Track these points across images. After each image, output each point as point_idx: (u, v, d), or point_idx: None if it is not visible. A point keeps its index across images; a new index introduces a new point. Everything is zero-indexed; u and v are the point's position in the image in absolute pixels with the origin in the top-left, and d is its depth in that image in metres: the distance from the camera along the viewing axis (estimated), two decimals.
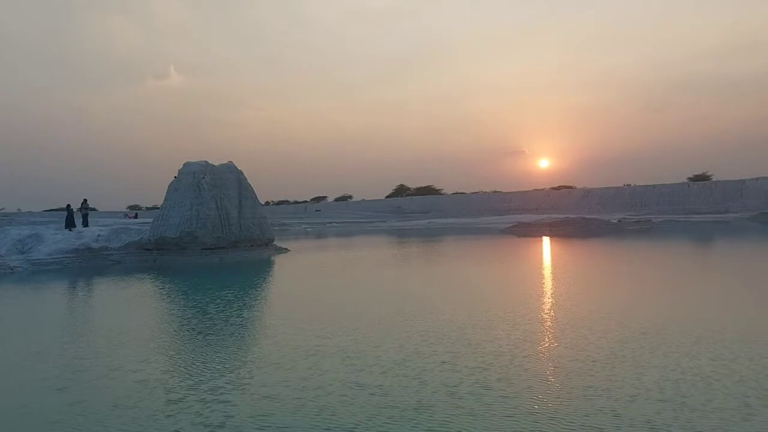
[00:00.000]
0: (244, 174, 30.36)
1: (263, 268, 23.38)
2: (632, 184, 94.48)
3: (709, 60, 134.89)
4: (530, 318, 10.48)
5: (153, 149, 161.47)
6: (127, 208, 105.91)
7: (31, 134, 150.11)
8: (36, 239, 25.99)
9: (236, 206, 28.76)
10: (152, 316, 12.54)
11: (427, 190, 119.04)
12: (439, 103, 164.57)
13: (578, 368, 7.21)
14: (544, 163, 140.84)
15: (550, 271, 18.48)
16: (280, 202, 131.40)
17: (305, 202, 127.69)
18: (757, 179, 78.70)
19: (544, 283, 15.42)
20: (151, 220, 31.60)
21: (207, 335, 9.97)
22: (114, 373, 7.72)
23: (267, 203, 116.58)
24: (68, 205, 31.23)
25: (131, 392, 6.83)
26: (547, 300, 12.60)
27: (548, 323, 10.08)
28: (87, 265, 24.61)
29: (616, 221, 52.49)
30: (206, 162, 29.10)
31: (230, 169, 29.77)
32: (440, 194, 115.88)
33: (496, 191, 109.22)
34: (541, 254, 25.74)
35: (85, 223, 31.35)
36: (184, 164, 29.01)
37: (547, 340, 8.85)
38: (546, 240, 34.78)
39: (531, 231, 44.42)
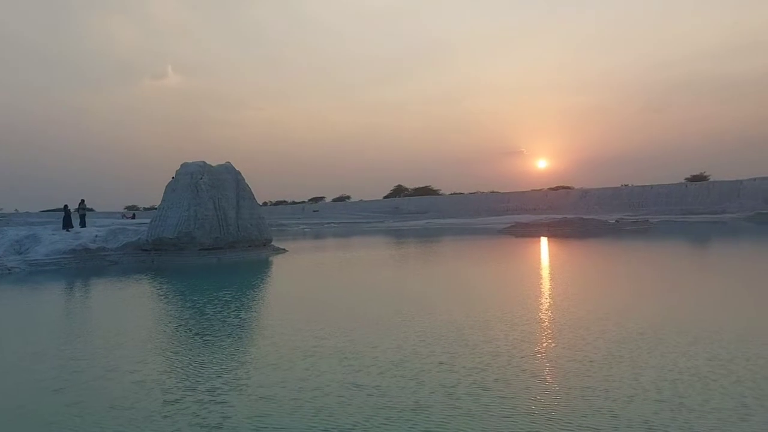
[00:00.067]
0: (242, 174, 30.34)
1: (261, 268, 23.35)
2: (630, 185, 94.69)
3: (708, 60, 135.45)
4: (528, 318, 10.48)
5: (151, 149, 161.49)
6: (125, 208, 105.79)
7: (28, 134, 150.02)
8: (33, 240, 25.93)
9: (234, 207, 28.73)
10: (149, 316, 12.51)
11: (425, 191, 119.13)
12: (437, 103, 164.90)
13: (576, 369, 7.22)
14: (542, 163, 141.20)
15: (547, 271, 18.50)
16: (278, 203, 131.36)
17: (303, 202, 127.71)
18: (755, 180, 78.94)
19: (541, 284, 15.43)
20: (148, 220, 31.55)
21: (204, 336, 9.96)
22: (111, 374, 7.70)
23: (265, 204, 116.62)
24: (65, 206, 31.17)
25: (128, 393, 6.81)
26: (545, 300, 12.60)
27: (546, 324, 10.09)
28: (84, 266, 24.56)
29: (613, 221, 52.59)
30: (204, 162, 29.06)
31: (228, 169, 29.74)
32: (438, 194, 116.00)
33: (494, 192, 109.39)
34: (539, 255, 25.76)
35: (83, 224, 31.28)
36: (182, 165, 28.97)
37: (544, 340, 8.85)
38: (544, 240, 34.81)
39: (529, 231, 44.46)
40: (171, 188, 28.38)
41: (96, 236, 27.12)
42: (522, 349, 8.29)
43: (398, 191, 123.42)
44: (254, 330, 10.65)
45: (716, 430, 5.28)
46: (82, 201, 32.88)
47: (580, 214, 67.05)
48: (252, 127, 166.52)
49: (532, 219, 55.41)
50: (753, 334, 8.76)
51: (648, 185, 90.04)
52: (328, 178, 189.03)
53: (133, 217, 56.18)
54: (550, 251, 27.26)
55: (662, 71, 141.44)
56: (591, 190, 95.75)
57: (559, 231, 43.28)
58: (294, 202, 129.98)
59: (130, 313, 13.08)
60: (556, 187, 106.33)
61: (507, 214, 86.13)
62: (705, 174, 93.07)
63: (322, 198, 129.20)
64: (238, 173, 30.10)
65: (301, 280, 19.30)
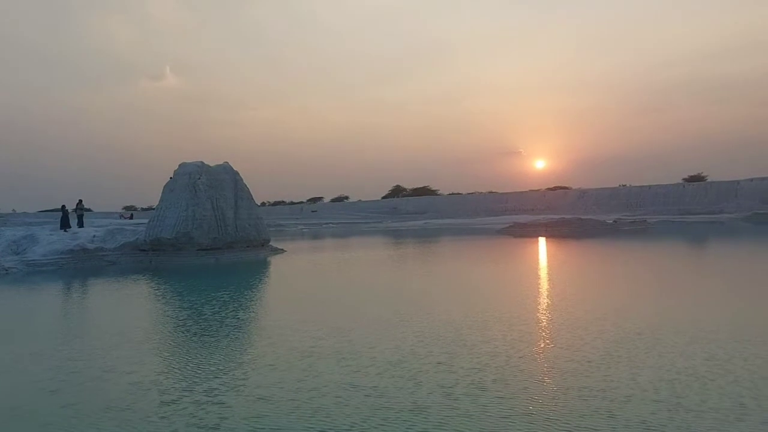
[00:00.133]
0: (240, 175, 30.31)
1: (259, 268, 23.33)
2: (628, 185, 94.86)
3: (705, 61, 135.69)
4: (526, 319, 10.48)
5: (149, 149, 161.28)
6: (123, 208, 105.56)
7: (26, 134, 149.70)
8: (31, 240, 25.87)
9: (232, 207, 28.69)
10: (147, 317, 12.49)
11: (423, 191, 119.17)
12: (436, 103, 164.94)
13: (574, 369, 7.21)
14: (540, 163, 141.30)
15: (545, 271, 18.51)
16: (276, 203, 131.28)
17: (301, 202, 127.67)
18: (752, 180, 79.13)
19: (539, 284, 15.43)
20: (146, 220, 31.49)
21: (202, 336, 9.94)
22: (108, 374, 7.68)
23: (263, 204, 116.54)
24: (63, 206, 31.11)
25: (125, 394, 6.79)
26: (543, 301, 12.61)
27: (544, 324, 10.09)
28: (82, 266, 24.51)
29: (611, 222, 52.63)
30: (202, 162, 29.02)
31: (226, 169, 29.70)
32: (436, 195, 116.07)
33: (492, 192, 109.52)
34: (537, 255, 25.78)
35: (81, 224, 31.22)
36: (180, 165, 28.93)
37: (542, 340, 8.85)
38: (542, 240, 34.83)
39: (527, 231, 44.48)
40: (169, 188, 28.34)
41: (94, 236, 27.07)
42: (520, 349, 8.28)
43: (396, 191, 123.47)
44: (252, 330, 10.63)
45: (714, 430, 5.27)
46: (80, 201, 32.81)
47: (578, 214, 67.10)
48: (251, 127, 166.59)
49: (530, 219, 55.43)
50: (750, 334, 8.76)
51: (646, 185, 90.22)
52: (326, 178, 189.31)
53: (131, 217, 56.10)
54: (548, 251, 27.28)
55: (660, 72, 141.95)
56: (589, 190, 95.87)
57: (557, 231, 43.31)
58: (292, 203, 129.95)
59: (128, 313, 13.05)
60: (554, 187, 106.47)
61: (505, 214, 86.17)
62: (702, 174, 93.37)
63: (320, 198, 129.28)
64: (237, 173, 30.07)
65: (299, 280, 19.28)
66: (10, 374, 7.97)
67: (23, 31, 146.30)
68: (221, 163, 30.05)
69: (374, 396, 6.43)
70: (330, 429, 5.57)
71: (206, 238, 27.08)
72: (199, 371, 7.67)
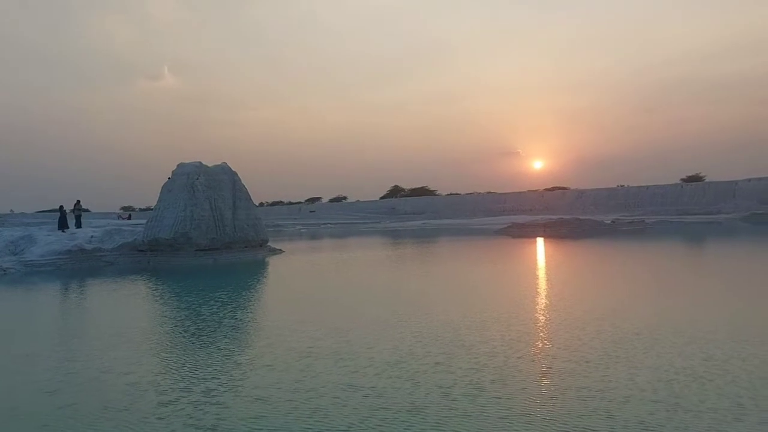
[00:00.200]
0: (239, 175, 30.29)
1: (257, 269, 23.32)
2: (626, 185, 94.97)
3: (703, 61, 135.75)
4: (524, 319, 10.48)
5: (148, 150, 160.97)
6: (121, 209, 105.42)
7: (23, 134, 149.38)
8: (29, 240, 25.82)
9: (230, 207, 28.67)
10: (145, 317, 12.47)
11: (422, 191, 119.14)
12: (434, 103, 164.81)
13: (572, 369, 7.21)
14: (538, 164, 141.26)
15: (544, 272, 18.52)
16: (274, 203, 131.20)
17: (299, 203, 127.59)
18: (749, 180, 79.22)
19: (538, 284, 15.44)
20: (144, 221, 31.45)
21: (200, 337, 9.93)
22: (105, 375, 7.66)
23: (261, 204, 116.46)
24: (61, 206, 31.09)
25: (123, 395, 6.77)
26: (541, 301, 12.61)
27: (542, 324, 10.09)
28: (80, 267, 24.46)
29: (609, 222, 52.68)
30: (200, 163, 28.99)
31: (224, 170, 29.67)
32: (434, 195, 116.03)
33: (490, 192, 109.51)
34: (535, 255, 25.79)
35: (78, 225, 31.19)
36: (178, 165, 28.90)
37: (540, 341, 8.85)
38: (540, 241, 34.86)
39: (525, 232, 44.52)
40: (167, 189, 28.30)
41: (92, 237, 27.03)
42: (518, 349, 8.28)
43: (395, 192, 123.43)
44: (250, 331, 10.62)
45: (712, 430, 5.28)
46: (78, 201, 32.77)
47: (576, 214, 67.14)
48: (250, 127, 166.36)
49: (529, 219, 55.45)
50: (748, 334, 8.77)
51: (644, 186, 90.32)
52: (325, 178, 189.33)
53: (129, 217, 56.07)
54: (546, 252, 27.30)
55: (658, 71, 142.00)
56: (587, 190, 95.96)
57: (556, 231, 43.35)
58: (291, 203, 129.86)
59: (126, 314, 13.03)
60: (553, 187, 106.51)
61: (503, 214, 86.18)
62: (700, 174, 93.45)
63: (318, 198, 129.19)
64: (235, 174, 30.05)
65: (297, 280, 19.27)
66: (8, 375, 7.95)
67: (22, 30, 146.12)
68: (219, 163, 30.02)
69: (372, 396, 6.43)
70: (328, 429, 5.56)
71: (204, 238, 27.06)
72: (197, 372, 7.66)
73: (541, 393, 6.38)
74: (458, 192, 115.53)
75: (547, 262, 21.94)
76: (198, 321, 11.40)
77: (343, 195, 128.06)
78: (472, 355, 8.00)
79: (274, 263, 25.13)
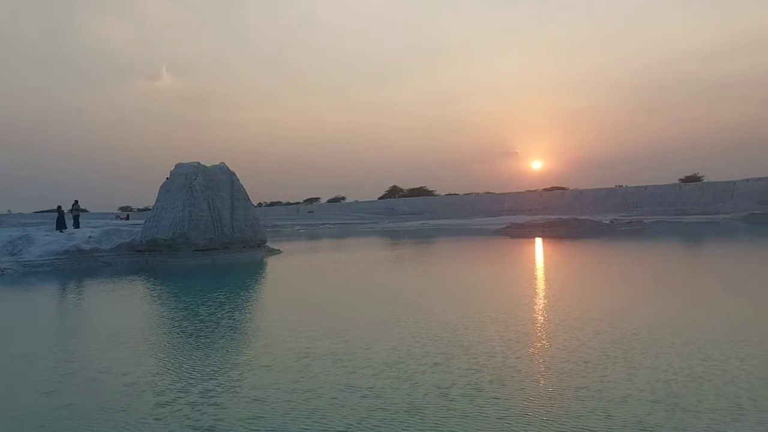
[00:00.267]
0: (237, 175, 30.27)
1: (255, 269, 23.29)
2: (624, 185, 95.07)
3: (701, 61, 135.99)
4: (523, 319, 10.48)
5: (146, 150, 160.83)
6: (119, 209, 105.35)
7: (21, 134, 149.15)
8: (26, 241, 25.76)
9: (228, 207, 28.65)
10: (142, 318, 12.45)
11: (420, 192, 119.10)
12: (433, 103, 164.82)
13: (570, 369, 7.21)
14: (536, 164, 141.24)
15: (542, 272, 18.52)
16: (272, 204, 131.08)
17: (298, 203, 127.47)
18: (747, 180, 79.35)
19: (536, 285, 15.44)
20: (142, 221, 31.42)
21: (198, 337, 9.91)
22: (103, 375, 7.65)
23: (259, 204, 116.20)
24: (59, 207, 31.05)
25: (120, 395, 6.76)
26: (540, 301, 12.61)
27: (541, 324, 10.09)
28: (78, 267, 24.42)
29: (608, 222, 52.71)
30: (198, 163, 28.97)
31: (222, 170, 29.65)
32: (433, 195, 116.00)
33: (488, 192, 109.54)
34: (534, 255, 25.80)
35: (76, 225, 31.16)
36: (176, 165, 28.87)
37: (539, 341, 8.85)
38: (539, 241, 34.87)
39: (524, 232, 44.53)
40: (165, 189, 28.27)
41: (89, 237, 26.99)
42: (517, 349, 8.28)
43: (393, 192, 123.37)
44: (248, 331, 10.61)
45: (710, 430, 5.27)
46: (76, 202, 32.75)
47: (575, 214, 67.19)
48: (248, 127, 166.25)
49: (527, 220, 55.47)
50: (747, 334, 8.78)
51: (642, 186, 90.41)
52: (323, 178, 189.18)
53: (127, 218, 56.09)
54: (544, 252, 27.31)
55: (656, 71, 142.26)
56: (585, 190, 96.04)
57: (554, 232, 43.37)
58: (289, 203, 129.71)
59: (123, 314, 13.01)
60: (551, 187, 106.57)
61: (502, 214, 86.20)
62: (698, 175, 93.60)
63: (317, 199, 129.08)
64: (233, 174, 30.03)
65: (296, 281, 19.25)
66: (5, 375, 7.92)
67: (20, 30, 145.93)
68: (218, 163, 30.00)
69: (370, 397, 6.42)
70: (326, 430, 5.55)
71: (202, 238, 27.03)
72: (195, 372, 7.64)
73: (540, 393, 6.38)
74: (457, 192, 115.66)
75: (545, 263, 21.94)
76: (196, 321, 11.38)
77: (342, 195, 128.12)
78: (470, 356, 7.99)
79: (273, 263, 25.11)
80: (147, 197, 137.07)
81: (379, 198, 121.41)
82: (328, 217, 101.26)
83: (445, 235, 47.62)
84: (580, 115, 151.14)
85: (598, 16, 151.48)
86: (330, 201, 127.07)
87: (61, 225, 29.55)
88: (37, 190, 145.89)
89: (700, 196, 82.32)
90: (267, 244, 31.09)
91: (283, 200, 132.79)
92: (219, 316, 11.89)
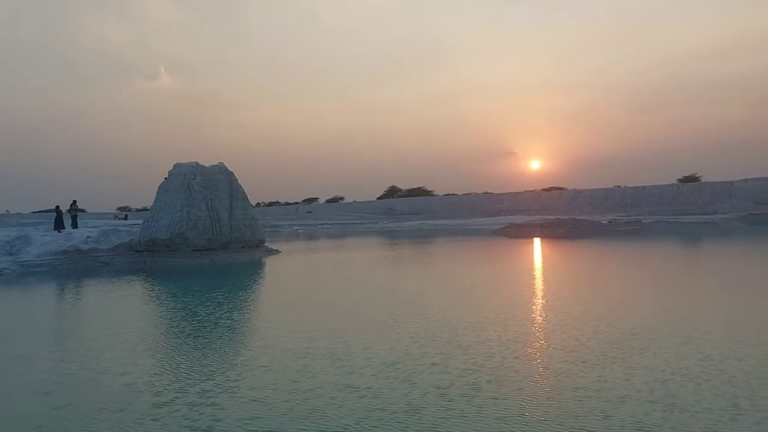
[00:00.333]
0: (235, 175, 30.26)
1: (254, 269, 23.28)
2: (622, 186, 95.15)
3: (700, 61, 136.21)
4: (521, 319, 10.48)
5: (145, 150, 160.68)
6: (117, 209, 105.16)
7: (19, 134, 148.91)
8: (24, 241, 25.73)
9: (227, 207, 28.63)
10: (141, 318, 12.43)
11: (419, 192, 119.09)
12: (432, 103, 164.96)
13: (568, 369, 7.21)
14: (535, 164, 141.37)
15: (540, 272, 18.54)
16: (271, 204, 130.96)
17: (296, 203, 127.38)
18: (746, 180, 79.50)
19: (534, 285, 15.45)
20: (141, 221, 31.39)
21: (196, 338, 9.90)
22: (101, 376, 7.64)
23: (258, 204, 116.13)
24: (57, 207, 31.01)
25: (118, 396, 6.75)
26: (538, 301, 12.62)
27: (539, 324, 10.09)
28: (76, 267, 24.39)
29: (606, 222, 52.77)
30: (197, 163, 28.96)
31: (221, 170, 29.64)
32: (432, 195, 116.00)
33: (487, 192, 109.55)
34: (532, 256, 25.81)
35: (75, 225, 31.11)
36: (175, 165, 28.85)
37: (537, 341, 8.85)
38: (537, 241, 34.89)
39: (522, 232, 44.56)
40: (163, 189, 28.25)
41: (88, 237, 26.96)
42: (515, 350, 8.28)
43: (392, 192, 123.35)
44: (246, 332, 10.60)
45: (708, 430, 5.28)
46: (74, 202, 32.71)
47: (573, 214, 67.28)
48: (247, 127, 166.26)
49: (526, 220, 55.52)
50: (744, 335, 8.79)
51: (640, 186, 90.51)
52: (321, 178, 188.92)
53: (126, 218, 55.97)
54: (543, 252, 27.32)
55: (655, 71, 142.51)
56: (584, 190, 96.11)
57: (553, 232, 43.40)
58: (287, 203, 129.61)
59: (122, 314, 12.99)
60: (549, 188, 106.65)
61: (500, 215, 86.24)
62: (697, 175, 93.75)
63: (315, 199, 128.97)
64: (231, 174, 30.02)
65: (294, 281, 19.24)
66: (3, 376, 7.91)
67: (18, 30, 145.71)
68: (216, 163, 29.99)
69: (369, 397, 6.42)
70: (324, 430, 5.55)
71: (201, 238, 27.01)
72: (193, 373, 7.63)
73: (538, 393, 6.38)
74: (455, 192, 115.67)
75: (543, 263, 21.95)
76: (194, 322, 11.37)
77: (340, 195, 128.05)
78: (468, 356, 7.99)
79: (271, 264, 25.09)
80: (145, 197, 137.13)
81: (378, 198, 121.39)
82: (327, 217, 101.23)
83: (444, 235, 47.63)
84: (579, 116, 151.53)
85: (598, 16, 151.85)
86: (328, 201, 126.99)
87: (59, 225, 29.51)
88: (35, 190, 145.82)
89: (699, 197, 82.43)
90: (265, 244, 31.08)
91: (282, 200, 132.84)
92: (217, 316, 11.89)
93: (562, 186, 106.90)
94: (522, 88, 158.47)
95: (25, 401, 6.73)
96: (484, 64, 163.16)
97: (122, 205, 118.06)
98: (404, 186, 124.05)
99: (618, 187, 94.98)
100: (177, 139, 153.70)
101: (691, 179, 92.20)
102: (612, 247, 30.01)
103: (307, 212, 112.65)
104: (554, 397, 6.22)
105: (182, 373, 7.62)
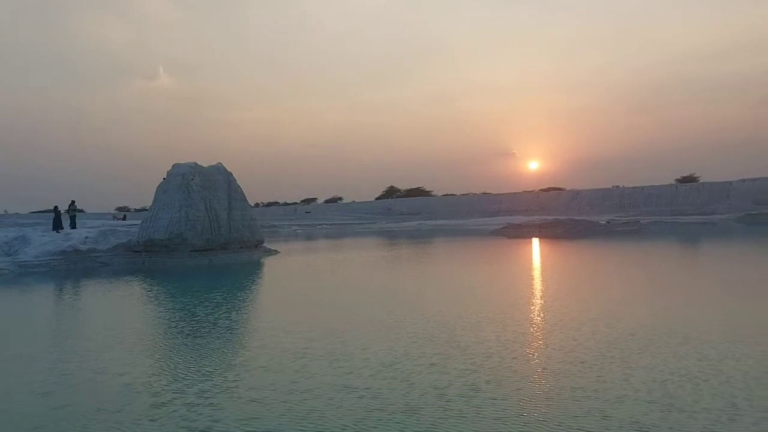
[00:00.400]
0: (234, 175, 30.24)
1: (252, 270, 23.26)
2: (621, 186, 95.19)
3: (701, 61, 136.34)
4: (519, 319, 10.49)
5: (143, 150, 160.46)
6: (116, 209, 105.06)
7: (18, 134, 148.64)
8: (23, 241, 25.70)
9: (226, 208, 28.61)
10: (139, 319, 12.42)
11: (417, 192, 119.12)
12: (430, 104, 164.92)
13: (567, 369, 7.22)
14: (533, 164, 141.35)
15: (539, 272, 18.54)
16: (269, 204, 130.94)
17: (295, 203, 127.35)
18: (744, 181, 79.57)
19: (533, 285, 15.45)
20: (139, 221, 31.36)
21: (194, 338, 9.89)
22: (99, 376, 7.63)
23: (257, 205, 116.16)
24: (56, 207, 30.99)
25: (116, 396, 6.74)
26: (537, 301, 12.62)
27: (537, 325, 10.10)
28: (74, 267, 24.36)
29: (604, 222, 52.80)
30: (195, 163, 28.94)
31: (219, 170, 29.62)
32: (430, 196, 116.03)
33: (486, 193, 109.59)
34: (531, 256, 25.82)
35: (73, 225, 31.06)
36: (173, 165, 28.83)
37: (536, 341, 8.86)
38: (535, 241, 34.91)
39: (521, 232, 44.57)
40: (162, 189, 28.23)
41: (86, 237, 26.93)
42: (514, 350, 8.29)
43: (390, 192, 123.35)
44: (244, 332, 10.60)
45: (706, 430, 5.29)
46: (73, 202, 32.65)
47: (572, 215, 67.29)
48: (246, 127, 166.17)
49: (524, 220, 55.53)
50: (742, 335, 8.80)
51: (639, 186, 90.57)
52: (320, 179, 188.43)
53: (124, 218, 55.93)
54: (541, 252, 27.34)
55: (653, 72, 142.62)
56: (582, 191, 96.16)
57: (551, 232, 43.42)
58: (286, 204, 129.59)
59: (120, 315, 12.98)
60: (548, 188, 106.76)
61: (499, 215, 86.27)
62: (695, 175, 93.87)
63: (314, 199, 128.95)
64: (230, 174, 30.00)
65: (293, 281, 19.24)
66: (1, 376, 7.90)
67: (18, 30, 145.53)
68: (215, 163, 29.97)
69: (367, 397, 6.42)
70: (323, 431, 5.55)
71: (199, 239, 26.99)
72: (192, 373, 7.63)
73: (537, 394, 6.39)
74: (454, 193, 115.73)
75: (542, 263, 21.97)
76: (193, 322, 11.37)
77: (339, 196, 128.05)
78: (467, 356, 8.00)
79: (270, 264, 25.08)
80: (144, 197, 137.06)
81: (377, 198, 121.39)
82: (326, 217, 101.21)
83: (442, 235, 47.64)
84: (579, 116, 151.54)
85: (598, 16, 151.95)
86: (327, 201, 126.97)
87: (57, 225, 29.46)
88: (33, 190, 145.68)
89: (697, 197, 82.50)
90: (264, 244, 31.06)
91: (281, 200, 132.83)
92: (216, 316, 11.88)
93: (560, 186, 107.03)
94: (522, 88, 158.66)
95: (23, 401, 6.72)
96: (484, 64, 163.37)
97: (121, 206, 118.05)
98: (403, 186, 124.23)
99: (616, 187, 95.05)
100: (176, 139, 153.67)
101: (689, 179, 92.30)
102: (610, 247, 30.04)
103: (306, 212, 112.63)
104: (553, 398, 6.23)
105: (180, 374, 7.62)
